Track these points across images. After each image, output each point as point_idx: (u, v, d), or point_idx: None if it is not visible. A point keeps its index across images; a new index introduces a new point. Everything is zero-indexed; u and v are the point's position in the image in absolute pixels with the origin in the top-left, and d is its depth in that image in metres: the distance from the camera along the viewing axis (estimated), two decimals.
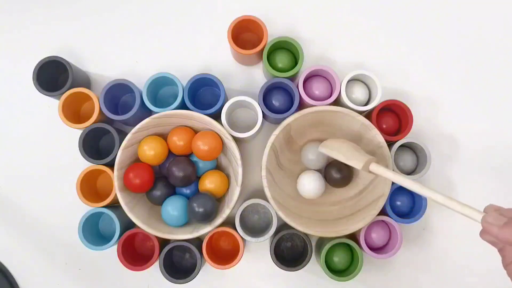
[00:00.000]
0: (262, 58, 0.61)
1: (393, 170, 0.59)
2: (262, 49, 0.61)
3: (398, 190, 0.63)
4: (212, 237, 0.61)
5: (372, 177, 0.61)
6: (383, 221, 0.61)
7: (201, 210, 0.57)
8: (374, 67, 0.67)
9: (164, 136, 0.61)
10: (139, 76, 0.64)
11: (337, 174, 0.62)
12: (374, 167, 0.55)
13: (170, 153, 0.62)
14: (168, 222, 0.60)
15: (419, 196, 0.61)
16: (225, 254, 0.64)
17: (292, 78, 0.62)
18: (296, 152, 0.65)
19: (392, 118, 0.64)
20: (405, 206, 0.64)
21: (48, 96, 0.61)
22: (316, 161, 0.63)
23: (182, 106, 0.61)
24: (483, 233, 0.44)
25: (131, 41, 0.68)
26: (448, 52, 0.68)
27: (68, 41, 0.68)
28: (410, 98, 0.66)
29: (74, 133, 0.61)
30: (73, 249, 0.65)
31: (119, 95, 0.65)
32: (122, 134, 0.61)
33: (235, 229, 0.60)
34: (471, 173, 0.67)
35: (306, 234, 0.61)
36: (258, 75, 0.68)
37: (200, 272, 0.60)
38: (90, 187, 0.63)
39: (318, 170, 0.64)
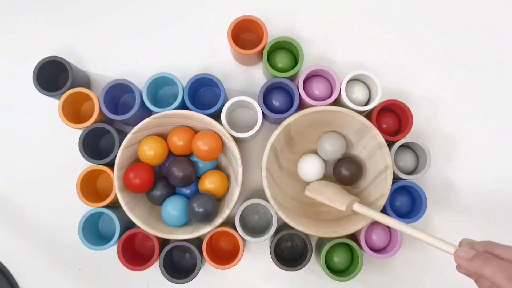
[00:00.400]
0: (262, 58, 0.61)
1: (377, 211, 0.58)
2: (262, 49, 0.61)
3: (398, 191, 0.63)
4: (212, 237, 0.61)
5: (372, 177, 0.61)
6: None
7: (201, 210, 0.57)
8: (374, 67, 0.67)
9: (164, 136, 0.61)
10: (139, 76, 0.63)
11: (346, 171, 0.62)
12: (357, 207, 0.57)
13: (170, 153, 0.62)
14: (168, 222, 0.60)
15: (419, 197, 0.61)
16: (225, 254, 0.64)
17: (292, 78, 0.62)
18: (296, 152, 0.65)
19: (392, 118, 0.64)
20: (405, 206, 0.64)
21: (48, 96, 0.61)
22: (333, 152, 0.62)
23: (182, 106, 0.61)
24: (457, 267, 0.46)
25: (131, 41, 0.68)
26: (448, 52, 0.68)
27: (68, 41, 0.68)
28: (410, 98, 0.66)
29: (74, 133, 0.61)
30: (73, 249, 0.65)
31: (119, 95, 0.65)
32: (122, 134, 0.61)
33: (235, 229, 0.60)
34: (470, 173, 0.67)
35: (306, 234, 0.60)
36: (258, 75, 0.68)
37: (200, 272, 0.60)
38: (90, 187, 0.63)
39: (333, 162, 0.64)
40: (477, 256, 0.42)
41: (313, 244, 0.65)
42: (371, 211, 0.56)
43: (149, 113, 0.63)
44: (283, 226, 0.63)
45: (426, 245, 0.65)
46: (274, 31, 0.65)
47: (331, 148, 0.62)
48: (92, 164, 0.61)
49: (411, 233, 0.50)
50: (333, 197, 0.59)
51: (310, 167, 0.62)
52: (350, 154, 0.64)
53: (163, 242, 0.62)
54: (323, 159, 0.63)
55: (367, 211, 0.56)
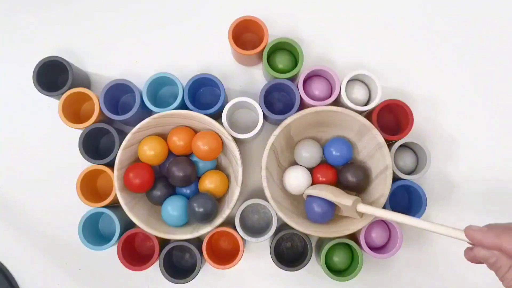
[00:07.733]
0: (262, 59, 0.61)
1: (382, 207, 0.58)
2: (263, 50, 0.61)
3: (398, 190, 0.63)
4: (212, 237, 0.61)
5: (372, 177, 0.61)
6: (383, 221, 0.61)
7: (201, 210, 0.57)
8: (374, 67, 0.67)
9: (164, 136, 0.61)
10: (139, 76, 0.64)
11: (353, 178, 0.60)
12: (362, 208, 0.56)
13: (170, 153, 0.62)
14: (168, 222, 0.60)
15: (419, 197, 0.61)
16: (225, 254, 0.64)
17: (292, 79, 0.62)
18: None
19: (392, 118, 0.64)
20: (405, 206, 0.64)
21: (48, 96, 0.61)
22: (310, 158, 0.62)
23: (182, 106, 0.61)
24: (469, 251, 0.45)
25: (131, 41, 0.68)
26: (448, 52, 0.68)
27: (68, 41, 0.68)
28: (410, 98, 0.66)
29: (74, 133, 0.61)
30: (73, 249, 0.65)
31: (119, 95, 0.65)
32: (122, 134, 0.61)
33: (235, 229, 0.60)
34: (471, 173, 0.67)
35: (306, 234, 0.61)
36: (258, 76, 0.68)
37: (200, 272, 0.60)
38: (90, 187, 0.63)
39: (310, 169, 0.63)
40: (493, 228, 0.41)
41: (313, 244, 0.65)
42: (375, 209, 0.55)
43: (149, 113, 0.63)
44: (283, 226, 0.63)
45: (426, 245, 0.66)
46: (274, 31, 0.65)
47: (308, 154, 0.61)
48: (92, 164, 0.61)
49: (419, 225, 0.50)
50: (337, 193, 0.58)
51: (296, 179, 0.61)
52: (357, 160, 0.63)
53: (163, 242, 0.62)
54: (306, 168, 0.63)
55: (371, 210, 0.55)
